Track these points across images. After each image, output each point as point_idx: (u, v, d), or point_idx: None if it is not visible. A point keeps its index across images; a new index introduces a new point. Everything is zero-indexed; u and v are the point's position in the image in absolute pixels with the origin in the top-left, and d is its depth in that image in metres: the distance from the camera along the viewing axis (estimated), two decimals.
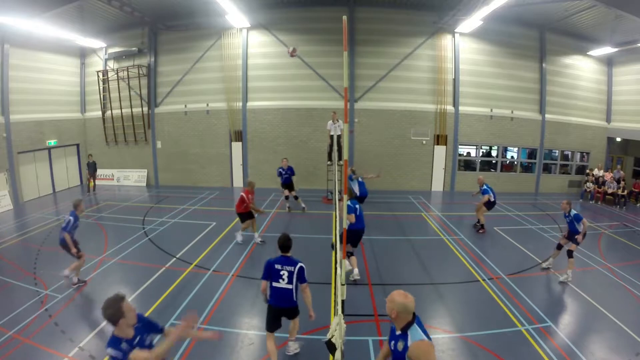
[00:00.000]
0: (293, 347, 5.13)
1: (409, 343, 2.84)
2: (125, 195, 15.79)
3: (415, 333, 2.86)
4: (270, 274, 4.63)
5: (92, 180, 16.16)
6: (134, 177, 17.79)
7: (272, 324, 4.74)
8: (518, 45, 16.12)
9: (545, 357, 5.12)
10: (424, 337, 2.84)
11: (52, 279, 7.41)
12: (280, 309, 4.69)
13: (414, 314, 2.92)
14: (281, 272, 4.61)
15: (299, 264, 4.65)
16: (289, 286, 4.60)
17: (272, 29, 15.90)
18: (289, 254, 4.72)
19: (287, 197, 12.67)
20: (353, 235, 7.20)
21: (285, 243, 4.71)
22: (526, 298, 6.80)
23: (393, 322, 3.00)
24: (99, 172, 17.55)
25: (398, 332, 2.96)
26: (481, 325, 5.91)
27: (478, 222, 10.83)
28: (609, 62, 17.04)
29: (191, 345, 5.30)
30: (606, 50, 15.84)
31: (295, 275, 4.60)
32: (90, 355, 5.03)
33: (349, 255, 7.32)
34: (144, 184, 17.51)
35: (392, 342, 3.04)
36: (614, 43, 15.46)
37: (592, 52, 16.45)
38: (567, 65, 16.71)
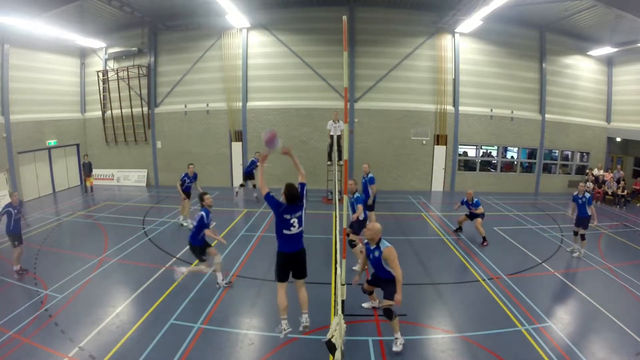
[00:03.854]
0: (306, 320, 5.14)
1: (382, 249, 5.05)
2: (125, 195, 15.79)
3: (384, 243, 5.12)
4: (279, 220, 4.77)
5: (88, 180, 16.12)
6: (134, 177, 17.79)
7: (284, 274, 4.95)
8: (518, 45, 16.12)
9: (545, 357, 5.12)
10: (388, 245, 5.11)
11: (52, 279, 7.42)
12: (293, 254, 4.88)
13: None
14: (291, 221, 4.76)
15: (303, 206, 4.86)
16: (300, 230, 4.84)
17: (272, 29, 15.90)
18: (296, 203, 4.79)
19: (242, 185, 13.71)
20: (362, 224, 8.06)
21: (293, 193, 4.75)
22: (526, 298, 6.80)
23: (370, 242, 5.21)
24: (98, 172, 17.57)
25: (373, 247, 5.17)
26: (481, 325, 5.90)
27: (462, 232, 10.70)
28: (609, 62, 17.04)
29: (191, 345, 5.30)
30: (606, 50, 15.84)
31: (303, 218, 4.85)
32: (90, 355, 5.03)
33: (354, 244, 7.87)
34: (144, 184, 17.50)
35: (370, 255, 5.24)
36: (614, 43, 15.46)
37: (592, 52, 16.45)
38: (567, 65, 16.72)
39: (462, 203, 10.21)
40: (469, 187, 16.54)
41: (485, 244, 9.61)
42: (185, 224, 10.90)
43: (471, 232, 10.52)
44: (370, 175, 9.78)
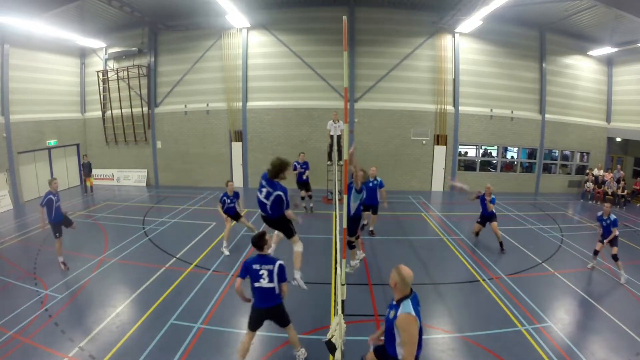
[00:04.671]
0: (302, 354, 5.01)
1: (398, 313, 3.17)
2: (125, 195, 15.79)
3: (406, 306, 3.17)
4: (250, 274, 4.52)
5: (88, 180, 16.16)
6: (134, 177, 17.79)
7: (255, 324, 4.66)
8: (518, 45, 16.12)
9: (545, 357, 5.12)
10: (411, 311, 3.14)
11: (52, 279, 7.41)
12: (265, 310, 4.59)
13: (411, 290, 3.23)
14: (260, 272, 4.49)
15: (278, 262, 4.54)
16: (271, 285, 4.49)
17: (272, 29, 15.91)
18: (265, 252, 4.59)
19: (302, 198, 12.04)
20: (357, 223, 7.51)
21: (257, 242, 4.55)
22: (526, 298, 6.80)
23: (393, 293, 3.34)
24: (98, 172, 17.58)
25: (394, 302, 3.32)
26: (481, 325, 5.90)
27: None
28: (609, 62, 17.04)
29: (191, 345, 5.30)
30: (606, 50, 15.84)
31: (275, 274, 4.49)
32: (90, 355, 5.03)
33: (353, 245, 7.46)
34: (144, 184, 17.51)
35: (387, 312, 3.42)
36: (614, 43, 15.46)
37: (592, 52, 16.45)
38: (567, 65, 16.72)
39: (478, 197, 9.71)
40: (470, 186, 16.57)
41: (503, 251, 9.17)
42: (226, 252, 8.93)
43: (470, 232, 10.52)
44: (379, 179, 9.65)
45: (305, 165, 11.79)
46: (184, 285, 7.15)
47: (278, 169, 5.12)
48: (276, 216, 5.29)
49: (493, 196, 9.50)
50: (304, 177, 11.86)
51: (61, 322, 5.86)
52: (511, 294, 6.95)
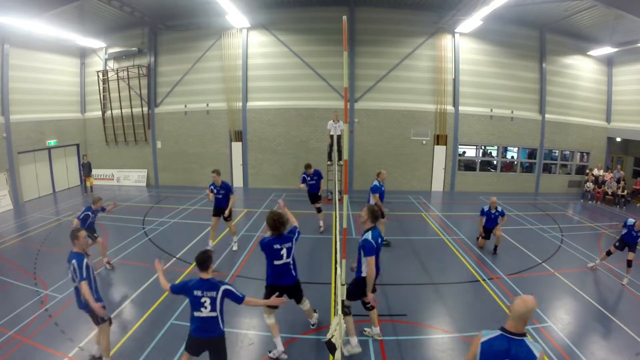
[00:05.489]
0: None
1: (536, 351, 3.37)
2: (125, 195, 15.78)
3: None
4: (189, 298, 3.91)
5: (88, 180, 16.17)
6: (134, 177, 17.80)
7: (191, 350, 4.01)
8: (518, 45, 16.13)
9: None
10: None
11: (52, 279, 7.41)
12: (201, 340, 3.93)
13: (525, 334, 2.96)
14: (202, 300, 3.82)
15: (223, 287, 3.89)
16: (213, 314, 3.86)
17: (272, 29, 15.91)
18: (208, 275, 3.92)
19: (319, 211, 10.58)
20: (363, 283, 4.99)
21: (203, 261, 3.91)
22: None
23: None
24: (99, 172, 17.58)
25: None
26: (481, 325, 5.83)
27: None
28: (609, 62, 17.04)
29: None
30: (606, 50, 15.84)
31: (218, 301, 3.87)
32: (90, 355, 5.02)
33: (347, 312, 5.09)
34: (144, 184, 17.51)
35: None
36: (614, 43, 15.47)
37: (592, 52, 16.45)
38: (567, 65, 16.72)
39: (483, 214, 9.10)
40: (470, 186, 16.65)
41: (495, 253, 8.96)
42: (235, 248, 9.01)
43: (472, 233, 10.52)
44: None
45: (317, 176, 10.38)
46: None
47: (278, 221, 4.88)
48: (297, 278, 5.20)
49: (500, 208, 9.05)
50: (318, 187, 10.43)
51: (61, 322, 5.86)
52: (511, 294, 6.95)
